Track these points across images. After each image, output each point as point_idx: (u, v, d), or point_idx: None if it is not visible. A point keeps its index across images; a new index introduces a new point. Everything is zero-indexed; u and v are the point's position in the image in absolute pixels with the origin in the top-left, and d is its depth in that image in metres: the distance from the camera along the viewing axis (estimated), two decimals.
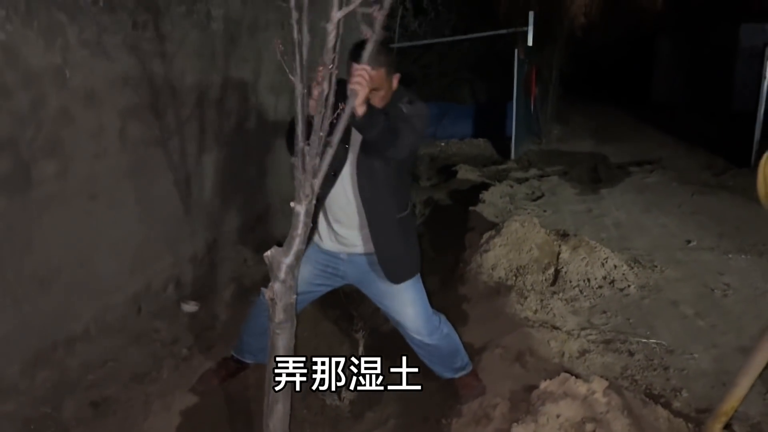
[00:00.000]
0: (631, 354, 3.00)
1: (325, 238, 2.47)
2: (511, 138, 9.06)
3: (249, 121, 4.34)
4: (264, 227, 4.65)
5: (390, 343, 3.21)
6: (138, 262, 3.29)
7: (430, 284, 2.86)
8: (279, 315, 1.87)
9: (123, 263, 3.18)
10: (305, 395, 2.66)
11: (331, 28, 1.58)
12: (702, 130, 9.63)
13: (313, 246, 2.49)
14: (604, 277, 3.86)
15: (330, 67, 1.66)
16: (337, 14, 1.57)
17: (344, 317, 3.52)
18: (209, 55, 3.78)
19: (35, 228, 2.61)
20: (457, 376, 2.65)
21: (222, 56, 3.91)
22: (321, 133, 1.70)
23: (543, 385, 2.36)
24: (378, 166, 2.29)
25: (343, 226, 2.40)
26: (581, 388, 2.30)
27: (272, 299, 1.86)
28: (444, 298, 3.69)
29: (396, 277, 2.41)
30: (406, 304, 2.47)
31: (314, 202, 1.81)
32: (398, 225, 2.39)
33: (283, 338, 1.90)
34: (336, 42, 1.61)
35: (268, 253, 1.85)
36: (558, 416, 2.17)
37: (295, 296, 1.90)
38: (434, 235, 5.38)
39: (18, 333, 2.54)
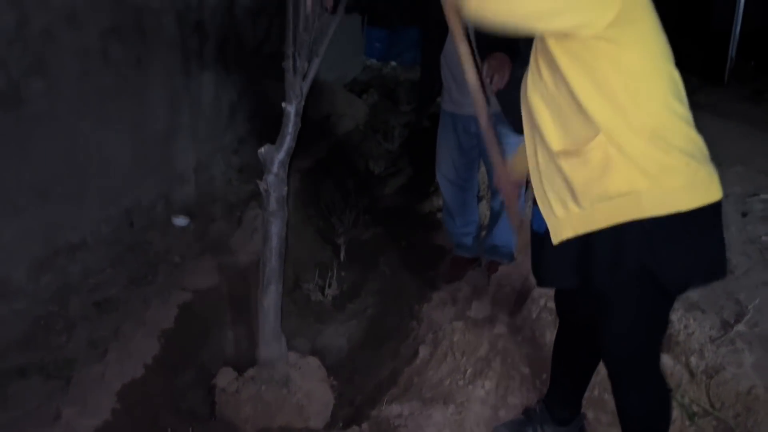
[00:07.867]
0: None
1: None
2: None
3: (229, 44, 4.41)
4: (247, 149, 4.80)
5: (368, 251, 3.46)
6: (128, 179, 3.45)
7: None
8: (272, 205, 2.11)
9: (114, 180, 3.34)
10: (291, 291, 2.91)
11: None
12: (680, 49, 9.67)
13: None
14: None
15: None
16: None
17: (326, 226, 3.74)
18: None
19: (29, 143, 2.76)
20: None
21: None
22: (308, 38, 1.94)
23: None
24: None
25: None
26: None
27: (266, 190, 2.09)
28: None
29: None
30: None
31: (302, 102, 2.02)
32: None
33: (276, 226, 2.14)
34: None
35: (262, 149, 2.06)
36: None
37: (285, 188, 2.12)
38: (412, 156, 5.55)
39: (21, 240, 2.74)
